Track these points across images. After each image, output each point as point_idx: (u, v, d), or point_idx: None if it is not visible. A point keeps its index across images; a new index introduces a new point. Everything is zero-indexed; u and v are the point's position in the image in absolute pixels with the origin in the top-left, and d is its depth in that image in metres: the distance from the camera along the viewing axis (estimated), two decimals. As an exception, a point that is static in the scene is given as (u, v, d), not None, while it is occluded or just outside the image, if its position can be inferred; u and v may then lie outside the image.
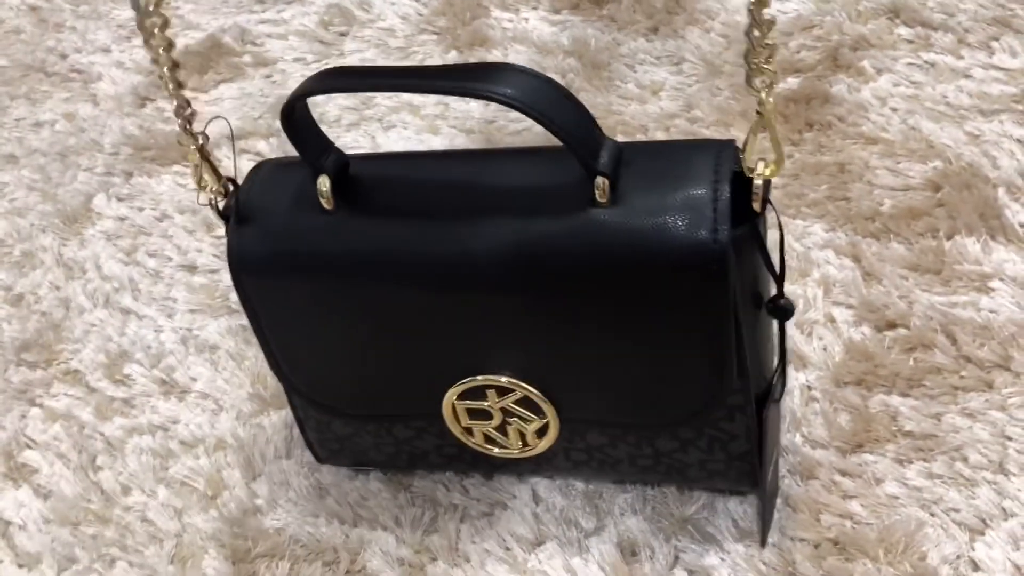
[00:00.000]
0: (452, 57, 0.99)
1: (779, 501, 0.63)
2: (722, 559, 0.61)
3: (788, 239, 0.77)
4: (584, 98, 0.92)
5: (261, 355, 0.76)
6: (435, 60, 1.00)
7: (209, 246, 0.86)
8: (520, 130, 0.91)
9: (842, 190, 0.80)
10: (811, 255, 0.75)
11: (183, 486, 0.70)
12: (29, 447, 0.74)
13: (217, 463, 0.71)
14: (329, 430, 0.65)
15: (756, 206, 0.52)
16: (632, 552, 0.62)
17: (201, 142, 0.57)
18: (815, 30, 0.93)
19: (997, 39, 0.89)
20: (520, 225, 0.53)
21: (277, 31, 1.06)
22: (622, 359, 0.56)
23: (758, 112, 0.50)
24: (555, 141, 0.51)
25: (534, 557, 0.63)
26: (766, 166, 0.50)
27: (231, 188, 0.59)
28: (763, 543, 0.61)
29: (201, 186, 0.58)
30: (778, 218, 0.55)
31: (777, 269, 0.55)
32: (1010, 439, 0.64)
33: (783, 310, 0.56)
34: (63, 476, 0.72)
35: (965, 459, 0.63)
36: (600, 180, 0.51)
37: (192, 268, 0.84)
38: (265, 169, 0.60)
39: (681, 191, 0.51)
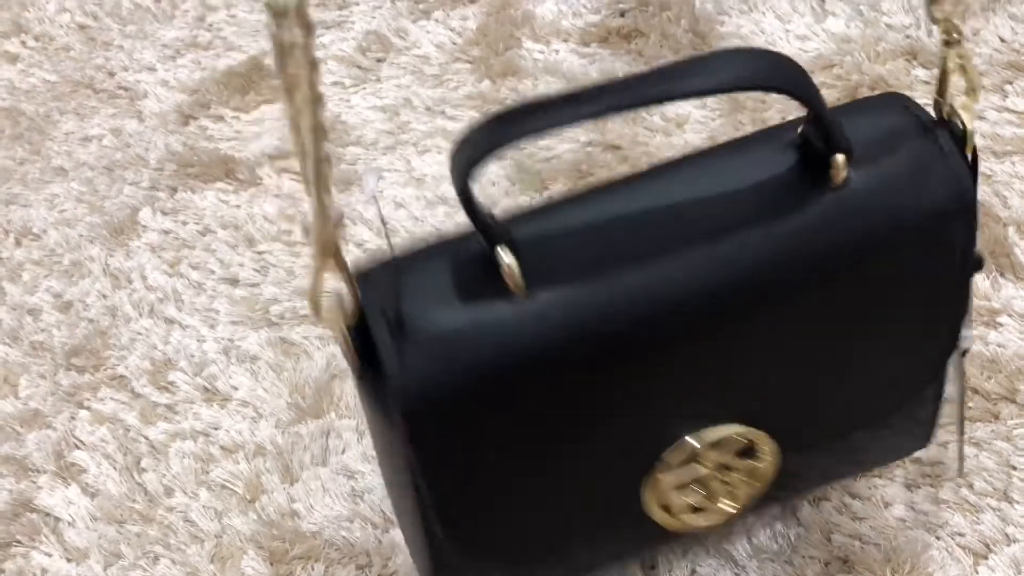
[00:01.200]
0: (485, 86, 1.03)
1: (793, 520, 0.66)
2: (737, 574, 0.64)
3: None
4: (611, 128, 0.96)
5: (300, 366, 0.80)
6: (468, 88, 1.04)
7: (250, 260, 0.90)
8: (550, 157, 0.95)
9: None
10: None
11: (223, 489, 0.74)
12: (78, 447, 0.78)
13: (256, 468, 0.74)
14: None
15: (969, 148, 0.48)
16: (652, 565, 0.65)
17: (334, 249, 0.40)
18: (835, 69, 0.97)
19: (1011, 83, 0.92)
20: (750, 232, 0.45)
21: (316, 55, 1.10)
22: (858, 357, 0.50)
23: (946, 43, 0.47)
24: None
25: (557, 567, 0.66)
26: (966, 98, 0.48)
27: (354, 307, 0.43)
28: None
29: (318, 309, 0.41)
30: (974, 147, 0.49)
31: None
32: (1015, 468, 0.67)
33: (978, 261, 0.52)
34: (110, 476, 0.76)
35: (971, 486, 0.66)
36: (838, 157, 0.45)
37: (234, 281, 0.88)
38: (378, 270, 0.45)
39: (903, 152, 0.46)
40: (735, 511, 0.53)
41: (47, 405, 0.81)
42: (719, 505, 0.52)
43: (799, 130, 0.47)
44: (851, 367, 0.50)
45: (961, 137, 0.48)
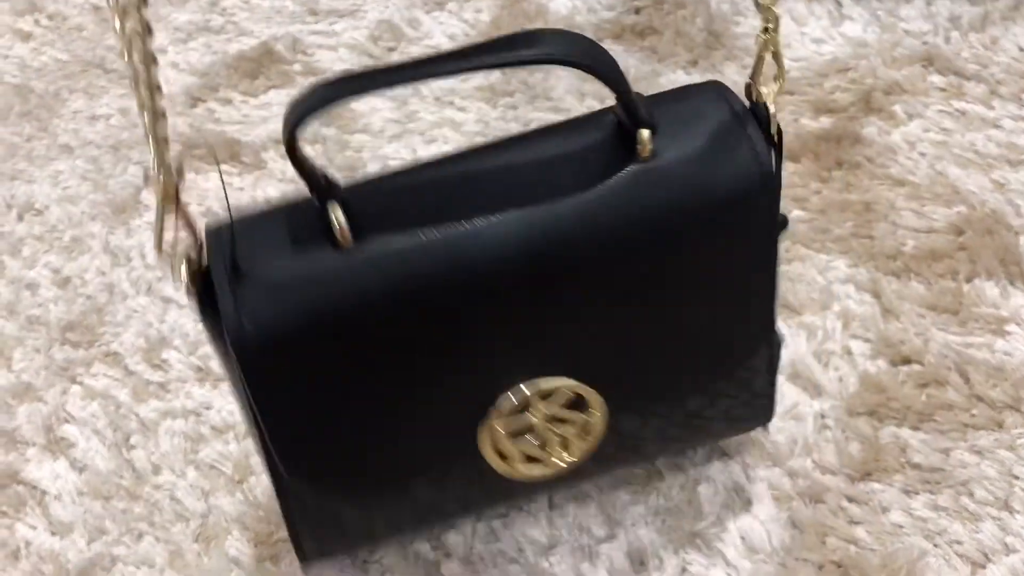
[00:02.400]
0: (496, 78, 1.03)
1: (787, 522, 0.65)
2: (728, 574, 0.63)
3: (811, 272, 0.79)
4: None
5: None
6: (478, 80, 1.03)
7: (250, 243, 0.89)
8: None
9: (867, 228, 0.82)
10: (832, 288, 0.77)
11: (211, 469, 0.73)
12: (68, 422, 0.77)
13: (245, 449, 0.73)
14: (335, 520, 0.57)
15: (773, 130, 0.51)
16: (641, 561, 0.64)
17: (176, 187, 0.46)
18: (850, 73, 0.96)
19: (1028, 92, 0.91)
20: (563, 198, 0.48)
21: (328, 43, 1.10)
22: (673, 320, 0.53)
23: (765, 30, 0.50)
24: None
25: (545, 560, 0.65)
26: (775, 82, 0.51)
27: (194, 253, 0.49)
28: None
29: (161, 248, 0.47)
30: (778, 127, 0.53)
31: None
32: (1017, 478, 0.65)
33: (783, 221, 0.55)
34: (98, 452, 0.75)
35: (971, 494, 0.65)
36: (644, 133, 0.49)
37: (233, 263, 0.88)
38: (224, 225, 0.50)
39: (706, 126, 0.50)
40: (567, 464, 0.56)
41: (40, 379, 0.81)
42: (553, 458, 0.55)
43: (613, 110, 0.51)
44: (670, 330, 0.53)
45: (767, 119, 0.51)
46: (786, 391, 0.71)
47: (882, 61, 0.96)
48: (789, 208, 0.84)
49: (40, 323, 0.85)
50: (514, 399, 0.52)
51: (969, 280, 0.76)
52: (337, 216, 0.47)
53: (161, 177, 0.46)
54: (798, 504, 0.65)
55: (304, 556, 0.60)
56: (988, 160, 0.86)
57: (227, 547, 0.68)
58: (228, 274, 0.48)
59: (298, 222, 0.49)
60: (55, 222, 0.94)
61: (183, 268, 0.48)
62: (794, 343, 0.74)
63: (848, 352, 0.73)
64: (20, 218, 0.95)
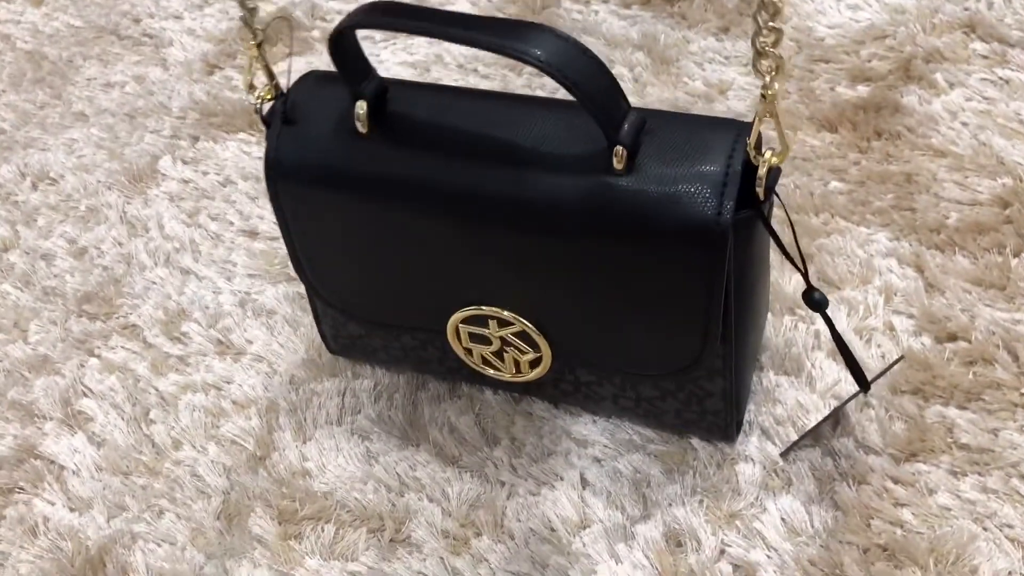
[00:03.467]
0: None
1: (830, 503, 0.62)
2: (768, 556, 0.61)
3: (851, 245, 0.76)
4: (651, 92, 0.92)
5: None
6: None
7: (270, 213, 0.87)
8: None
9: (908, 200, 0.79)
10: (873, 262, 0.75)
11: (233, 445, 0.71)
12: (86, 395, 0.75)
13: (269, 425, 0.71)
14: (344, 329, 0.70)
15: (760, 192, 0.53)
16: (677, 542, 0.62)
17: (260, 39, 0.59)
18: (887, 40, 0.93)
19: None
20: (539, 176, 0.55)
21: (347, 8, 1.07)
22: (618, 312, 0.59)
23: (763, 96, 0.51)
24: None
25: (578, 540, 0.63)
26: (773, 154, 0.52)
27: (277, 94, 0.62)
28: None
29: (252, 87, 0.61)
30: (787, 213, 0.59)
31: (798, 264, 0.57)
32: (1069, 459, 0.63)
33: (817, 303, 0.59)
34: (117, 426, 0.73)
35: (1022, 476, 0.62)
36: (618, 149, 0.53)
37: (253, 234, 0.85)
38: (311, 80, 0.63)
39: (695, 166, 0.53)
40: (520, 379, 0.66)
41: (56, 351, 0.79)
42: (504, 367, 0.66)
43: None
44: (615, 316, 0.59)
45: (757, 177, 0.53)
46: (825, 368, 0.69)
47: (921, 28, 0.93)
48: (827, 179, 0.82)
49: (56, 294, 0.83)
50: (477, 310, 0.62)
51: (1017, 254, 0.74)
52: (360, 112, 0.58)
53: (250, 31, 0.59)
54: (841, 485, 0.63)
55: (329, 348, 0.73)
56: (1034, 130, 0.83)
57: (250, 524, 0.66)
58: (281, 121, 0.61)
59: (344, 104, 0.60)
60: (70, 191, 0.92)
61: (260, 103, 0.62)
62: (834, 318, 0.71)
63: (891, 328, 0.71)
64: (34, 187, 0.93)
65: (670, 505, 0.64)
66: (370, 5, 0.56)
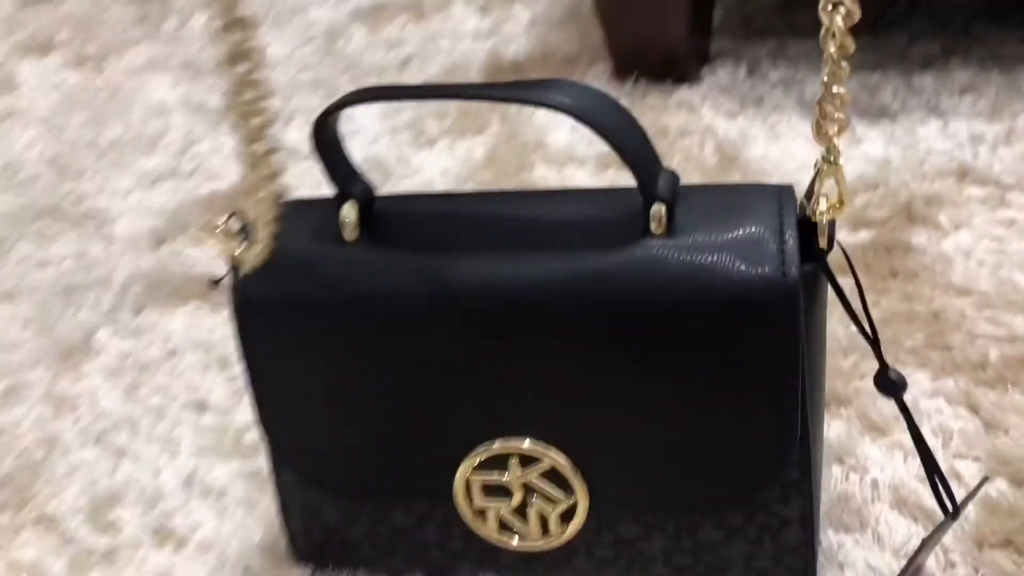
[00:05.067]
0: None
1: None
2: None
3: (890, 386, 0.68)
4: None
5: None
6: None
7: (223, 384, 0.76)
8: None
9: (941, 338, 0.72)
10: (919, 404, 0.66)
11: (171, 656, 0.56)
12: (-16, 603, 0.60)
13: (217, 627, 0.57)
14: (318, 516, 0.57)
15: (822, 242, 0.47)
16: None
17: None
18: (880, 189, 0.89)
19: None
20: (563, 258, 0.47)
21: (307, 182, 1.01)
22: (669, 419, 0.49)
23: (825, 160, 0.47)
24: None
25: None
26: (829, 204, 0.47)
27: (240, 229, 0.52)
28: None
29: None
30: (853, 271, 0.50)
31: (868, 331, 0.50)
32: None
33: (893, 384, 0.50)
34: (21, 640, 0.58)
35: None
36: (657, 207, 0.46)
37: (202, 407, 0.74)
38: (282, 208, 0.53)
39: (744, 226, 0.47)
40: (543, 544, 0.53)
41: (-48, 552, 0.64)
42: (529, 531, 0.53)
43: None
44: (661, 429, 0.49)
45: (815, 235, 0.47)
46: (892, 522, 0.58)
47: (911, 175, 0.90)
48: (848, 322, 0.74)
49: (-41, 484, 0.69)
50: (489, 451, 0.51)
51: (1077, 387, 0.66)
52: (347, 213, 0.50)
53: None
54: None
55: (297, 552, 0.59)
56: (1055, 266, 0.77)
57: None
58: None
59: (327, 215, 0.51)
60: (-12, 371, 0.80)
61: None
62: (891, 466, 0.62)
63: (956, 475, 0.61)
64: (-55, 368, 0.81)
65: None
66: (359, 90, 0.49)
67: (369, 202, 0.51)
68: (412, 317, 0.49)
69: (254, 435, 0.70)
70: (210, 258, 0.90)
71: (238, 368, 0.77)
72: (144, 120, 1.17)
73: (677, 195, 0.48)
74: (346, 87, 1.17)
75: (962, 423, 0.64)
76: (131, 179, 1.05)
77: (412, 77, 1.22)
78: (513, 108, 1.05)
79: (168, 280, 0.88)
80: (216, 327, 0.82)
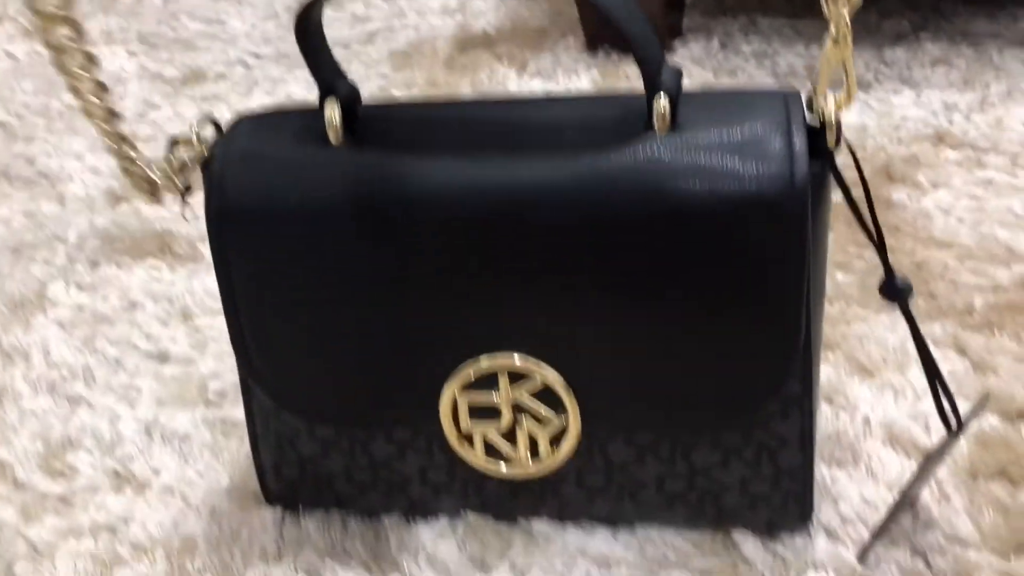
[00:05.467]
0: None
1: (936, 613, 0.48)
2: None
3: (878, 330, 0.67)
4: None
5: (244, 447, 0.61)
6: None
7: (185, 335, 0.72)
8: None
9: (925, 287, 0.71)
10: (908, 347, 0.65)
11: (131, 600, 0.52)
12: (-75, 548, 0.56)
13: (181, 569, 0.53)
14: (292, 448, 0.53)
15: (830, 140, 0.44)
16: None
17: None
18: (858, 152, 0.88)
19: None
20: (558, 159, 0.45)
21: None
22: (668, 330, 0.46)
23: (834, 41, 0.44)
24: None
25: None
26: (837, 99, 0.45)
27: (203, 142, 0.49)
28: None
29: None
30: (860, 171, 0.47)
31: (873, 235, 0.47)
32: None
33: (899, 290, 0.48)
34: (-34, 587, 0.54)
35: None
36: (662, 101, 0.44)
37: (163, 358, 0.70)
38: (248, 118, 0.50)
39: (750, 125, 0.44)
40: (534, 468, 0.50)
41: None
42: (518, 455, 0.50)
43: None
44: (662, 342, 0.46)
45: (823, 137, 0.44)
46: (885, 458, 0.57)
47: (888, 140, 0.90)
48: (831, 272, 0.73)
49: (-101, 433, 0.65)
50: (477, 367, 0.48)
51: (1063, 331, 0.65)
52: (331, 113, 0.47)
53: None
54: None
55: (269, 494, 0.55)
56: (1034, 222, 0.77)
57: None
58: (221, 160, 0.48)
59: (307, 120, 0.48)
60: (-68, 322, 0.76)
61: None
62: (881, 405, 0.60)
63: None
64: None
65: (732, 630, 0.48)
66: None
67: (354, 105, 0.49)
68: (396, 223, 0.46)
69: (219, 384, 0.67)
70: (171, 219, 0.87)
71: (201, 320, 0.74)
72: (100, 87, 1.13)
73: (681, 90, 0.46)
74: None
75: (951, 365, 0.63)
76: (84, 143, 1.01)
77: (377, 51, 1.20)
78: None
79: (125, 237, 0.84)
80: (177, 281, 0.78)
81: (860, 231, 0.49)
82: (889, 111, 0.95)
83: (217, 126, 0.49)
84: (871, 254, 0.75)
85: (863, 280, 0.72)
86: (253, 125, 0.49)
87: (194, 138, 0.48)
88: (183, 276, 0.79)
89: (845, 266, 0.74)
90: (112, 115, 0.48)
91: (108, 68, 1.18)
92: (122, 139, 0.48)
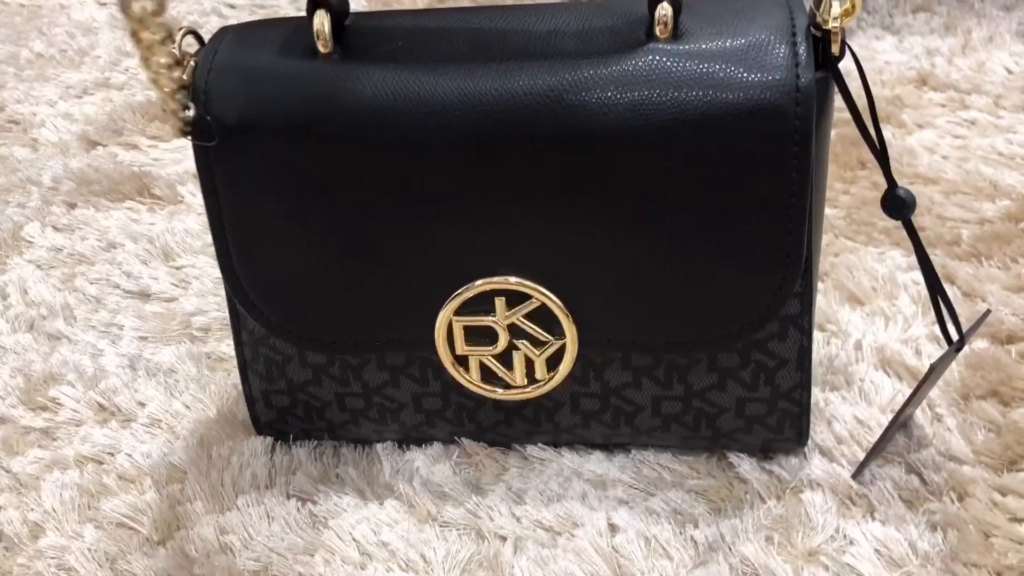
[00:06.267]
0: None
1: (927, 525, 0.48)
2: (875, 595, 0.45)
3: (867, 260, 0.67)
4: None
5: (233, 379, 0.60)
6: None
7: (166, 274, 0.71)
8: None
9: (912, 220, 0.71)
10: (896, 277, 0.65)
11: (120, 528, 0.51)
12: (-95, 480, 0.55)
13: (171, 498, 0.52)
14: (282, 376, 0.52)
15: (835, 48, 0.44)
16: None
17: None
18: (841, 95, 0.88)
19: (1034, 102, 0.85)
20: (555, 68, 0.43)
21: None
22: (667, 247, 0.45)
23: None
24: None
25: (615, 603, 0.46)
26: (842, 10, 0.43)
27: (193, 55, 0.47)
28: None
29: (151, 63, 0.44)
30: (864, 80, 0.47)
31: (877, 145, 0.47)
32: None
33: (902, 201, 0.47)
34: (-52, 517, 0.52)
35: None
36: (663, 8, 0.43)
37: (145, 295, 0.69)
38: (232, 30, 0.49)
39: (754, 32, 0.44)
40: (530, 391, 0.49)
41: None
42: (514, 378, 0.49)
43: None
44: (660, 258, 0.45)
45: (827, 47, 0.44)
46: (878, 381, 0.57)
47: (872, 83, 0.89)
48: (819, 207, 0.73)
49: None
50: (473, 288, 0.47)
51: (1049, 260, 0.65)
52: (321, 22, 0.45)
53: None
54: (938, 503, 0.49)
55: (259, 425, 0.54)
56: (1017, 160, 0.77)
57: (145, 626, 0.46)
58: (205, 68, 0.46)
59: (294, 31, 0.47)
60: (-96, 264, 0.74)
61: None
62: (872, 332, 0.60)
63: (936, 337, 0.60)
64: None
65: (732, 546, 0.48)
66: None
67: (343, 16, 0.47)
68: (388, 136, 0.44)
69: (204, 320, 0.66)
70: (147, 164, 0.85)
71: (183, 260, 0.72)
72: (70, 37, 1.10)
73: (683, 1, 0.45)
74: (288, 10, 1.13)
75: (940, 293, 0.63)
76: (57, 90, 0.99)
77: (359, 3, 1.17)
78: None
79: (101, 179, 0.82)
80: (157, 222, 0.77)
81: (844, 167, 0.48)
82: (872, 56, 0.95)
83: (198, 37, 0.48)
84: (857, 189, 0.75)
85: (850, 214, 0.72)
86: (237, 37, 0.48)
87: (177, 52, 0.46)
88: (163, 217, 0.78)
89: (832, 201, 0.74)
90: (182, 88, 0.45)
91: (78, 17, 1.15)
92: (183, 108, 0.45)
